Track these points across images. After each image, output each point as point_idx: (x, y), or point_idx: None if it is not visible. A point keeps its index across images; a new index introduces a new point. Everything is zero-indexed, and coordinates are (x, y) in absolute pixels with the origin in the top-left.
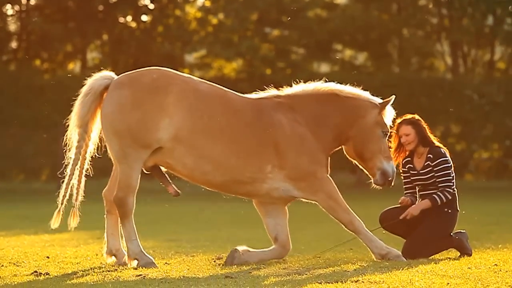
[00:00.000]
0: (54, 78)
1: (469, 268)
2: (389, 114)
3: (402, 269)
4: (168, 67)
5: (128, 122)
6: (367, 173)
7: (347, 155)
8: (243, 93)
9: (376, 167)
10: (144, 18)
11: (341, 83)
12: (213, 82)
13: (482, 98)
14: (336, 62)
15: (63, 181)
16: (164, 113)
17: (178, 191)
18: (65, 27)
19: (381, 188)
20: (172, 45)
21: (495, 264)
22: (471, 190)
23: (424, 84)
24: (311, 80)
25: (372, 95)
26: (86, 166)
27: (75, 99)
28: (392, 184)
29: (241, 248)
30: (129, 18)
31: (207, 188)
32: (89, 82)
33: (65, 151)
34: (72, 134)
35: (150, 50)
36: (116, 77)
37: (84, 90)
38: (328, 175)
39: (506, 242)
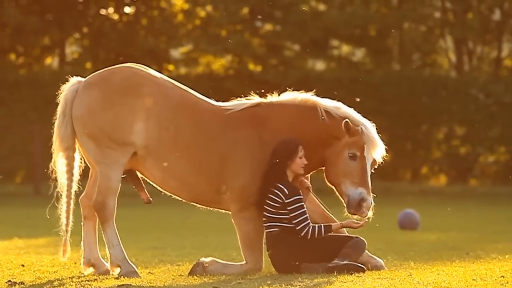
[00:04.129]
0: (30, 74)
1: (474, 280)
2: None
3: (403, 281)
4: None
5: (100, 125)
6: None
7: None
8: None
9: (343, 193)
10: (127, 9)
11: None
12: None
13: (488, 97)
14: (332, 59)
15: (61, 209)
16: (137, 116)
17: (150, 198)
18: (42, 19)
19: (355, 216)
20: (156, 39)
21: (502, 276)
22: (476, 196)
23: (426, 83)
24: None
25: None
26: (74, 187)
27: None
28: (366, 215)
29: (207, 259)
30: (110, 9)
31: None
32: (62, 97)
33: (54, 178)
34: (59, 159)
35: (133, 44)
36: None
37: (59, 110)
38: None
39: None
